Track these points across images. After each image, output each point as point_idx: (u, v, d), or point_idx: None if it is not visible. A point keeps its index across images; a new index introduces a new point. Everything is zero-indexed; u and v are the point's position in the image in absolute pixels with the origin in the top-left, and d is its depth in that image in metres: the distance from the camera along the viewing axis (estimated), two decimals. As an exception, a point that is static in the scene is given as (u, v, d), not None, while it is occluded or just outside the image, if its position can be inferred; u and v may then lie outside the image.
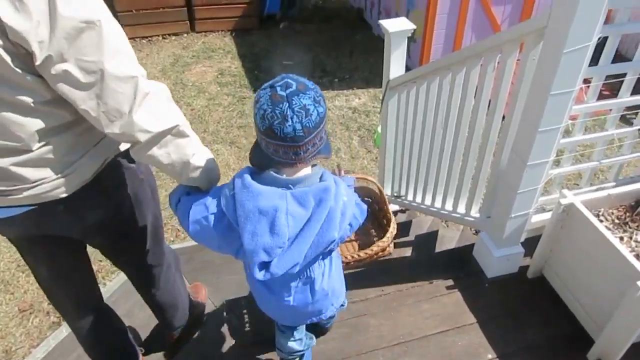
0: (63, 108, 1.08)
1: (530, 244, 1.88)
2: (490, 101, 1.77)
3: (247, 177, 1.08)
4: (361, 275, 2.08)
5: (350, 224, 1.18)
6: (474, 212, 2.07)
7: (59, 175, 1.17)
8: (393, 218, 1.75)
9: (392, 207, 3.08)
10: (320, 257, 1.23)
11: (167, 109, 1.13)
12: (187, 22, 6.79)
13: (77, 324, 1.63)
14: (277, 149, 1.05)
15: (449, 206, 2.27)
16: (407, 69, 2.48)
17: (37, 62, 0.95)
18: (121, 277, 2.71)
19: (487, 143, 1.84)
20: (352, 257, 1.69)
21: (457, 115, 2.01)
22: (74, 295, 1.58)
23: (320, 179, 1.12)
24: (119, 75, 1.02)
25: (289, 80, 1.05)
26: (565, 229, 1.70)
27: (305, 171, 1.13)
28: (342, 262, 1.51)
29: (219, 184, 1.27)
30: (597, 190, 1.83)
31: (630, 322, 1.42)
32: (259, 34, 6.96)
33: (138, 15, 6.53)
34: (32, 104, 1.04)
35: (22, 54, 0.95)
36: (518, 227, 1.79)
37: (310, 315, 1.35)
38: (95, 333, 1.65)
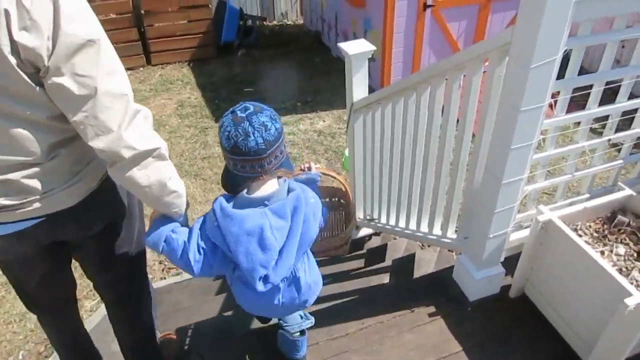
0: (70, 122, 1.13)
1: (510, 263, 1.82)
2: (458, 120, 1.73)
3: (226, 206, 1.21)
4: (340, 309, 1.98)
5: (319, 223, 1.35)
6: (451, 234, 2.01)
7: (67, 185, 1.23)
8: (354, 217, 1.77)
9: (366, 231, 3.01)
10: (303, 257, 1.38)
11: (151, 130, 1.20)
12: (143, 55, 6.67)
13: (53, 322, 1.71)
14: (244, 165, 1.19)
15: (424, 228, 2.20)
16: (370, 88, 2.43)
17: (41, 74, 1.02)
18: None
19: (458, 162, 1.79)
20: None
21: (425, 136, 1.96)
22: (52, 300, 1.63)
23: (289, 190, 1.27)
24: (112, 92, 1.08)
25: (247, 105, 1.20)
26: (544, 246, 1.65)
27: (273, 186, 1.26)
28: None
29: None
30: (572, 204, 1.80)
31: (620, 341, 1.36)
32: (217, 62, 6.89)
33: (91, 51, 6.35)
34: (44, 119, 1.11)
35: (32, 70, 1.02)
36: (497, 247, 1.73)
37: (297, 307, 1.48)
38: (66, 330, 1.75)
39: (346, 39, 6.28)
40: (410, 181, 2.22)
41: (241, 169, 1.20)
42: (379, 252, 2.57)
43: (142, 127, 1.16)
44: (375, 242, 2.87)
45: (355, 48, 2.33)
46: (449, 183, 1.92)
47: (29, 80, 1.03)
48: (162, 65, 6.81)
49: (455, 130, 1.76)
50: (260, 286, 1.24)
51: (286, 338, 1.69)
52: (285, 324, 1.67)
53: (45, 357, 2.85)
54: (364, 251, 2.67)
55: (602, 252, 1.58)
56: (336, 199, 2.23)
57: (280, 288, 1.35)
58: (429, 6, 4.89)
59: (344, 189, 1.91)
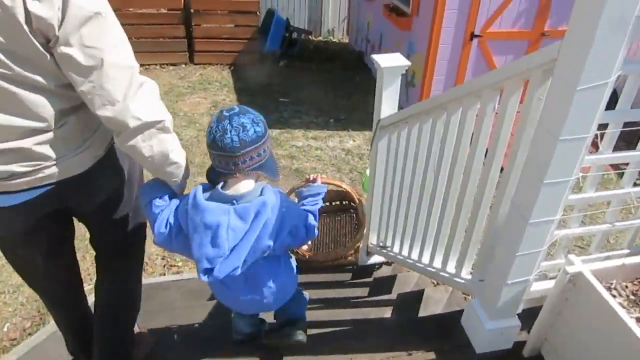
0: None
1: (528, 316, 1.59)
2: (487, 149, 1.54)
3: (199, 193, 1.27)
4: (330, 338, 1.79)
5: (290, 232, 1.38)
6: (465, 273, 1.80)
7: (77, 152, 1.27)
8: (363, 227, 1.91)
9: (377, 259, 2.81)
10: (263, 260, 1.39)
11: (157, 102, 1.24)
12: (187, 53, 6.72)
13: (59, 309, 1.74)
14: (220, 160, 1.28)
15: (437, 263, 2.00)
16: None
17: (51, 44, 1.06)
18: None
19: (482, 197, 1.60)
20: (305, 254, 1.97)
21: (450, 162, 1.78)
22: (63, 278, 1.67)
23: (261, 193, 1.30)
24: (119, 63, 1.13)
25: (235, 106, 1.28)
26: (570, 302, 1.42)
27: (247, 186, 1.31)
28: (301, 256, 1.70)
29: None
30: (608, 258, 1.57)
31: None
32: (258, 70, 6.87)
33: (137, 43, 6.43)
34: (53, 87, 1.15)
35: (44, 40, 1.06)
36: (515, 296, 1.51)
37: (263, 307, 1.56)
38: (76, 317, 1.78)
39: (389, 61, 6.15)
40: (428, 210, 2.03)
41: (218, 164, 1.30)
42: (386, 283, 2.37)
43: (147, 98, 1.21)
44: (384, 271, 2.67)
45: (389, 61, 2.18)
46: (470, 216, 1.72)
47: (41, 49, 1.07)
48: (203, 65, 6.84)
49: (483, 162, 1.57)
50: (202, 277, 1.29)
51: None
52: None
53: (28, 334, 2.76)
54: (370, 279, 2.47)
55: (638, 319, 1.34)
56: (346, 202, 2.13)
57: (244, 285, 1.44)
58: (476, 36, 4.72)
59: (351, 193, 1.85)
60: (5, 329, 2.84)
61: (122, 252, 1.69)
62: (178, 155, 1.34)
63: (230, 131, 1.22)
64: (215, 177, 1.32)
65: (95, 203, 1.46)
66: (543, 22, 4.74)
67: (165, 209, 1.34)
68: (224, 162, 1.27)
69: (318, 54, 7.55)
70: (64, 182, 1.29)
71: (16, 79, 1.10)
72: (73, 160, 1.28)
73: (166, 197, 1.37)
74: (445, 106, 1.75)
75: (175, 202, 1.36)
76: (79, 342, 1.83)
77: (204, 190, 1.29)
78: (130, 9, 6.33)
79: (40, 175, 1.24)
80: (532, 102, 1.27)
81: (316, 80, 6.69)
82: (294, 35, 7.35)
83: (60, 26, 1.04)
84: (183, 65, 6.78)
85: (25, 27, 1.02)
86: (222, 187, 1.30)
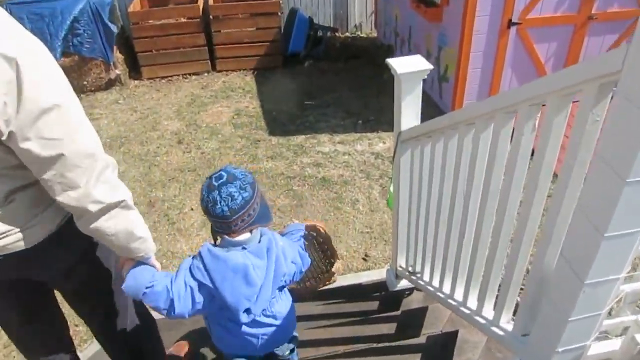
0: (29, 170, 1.14)
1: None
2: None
3: (212, 249, 1.39)
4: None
5: (293, 262, 1.54)
6: (505, 321, 1.49)
7: (24, 227, 1.24)
8: (336, 252, 1.96)
9: (404, 284, 2.51)
10: (277, 291, 1.53)
11: (117, 182, 1.24)
12: (208, 61, 6.56)
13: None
14: (215, 224, 1.40)
15: (471, 303, 1.69)
16: (439, 110, 1.97)
17: (3, 137, 1.04)
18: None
19: (523, 232, 1.28)
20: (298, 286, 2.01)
21: (481, 188, 1.47)
22: (42, 340, 1.62)
23: (261, 236, 1.46)
24: (80, 151, 1.12)
25: (222, 173, 1.35)
26: (645, 373, 1.10)
27: (246, 236, 1.42)
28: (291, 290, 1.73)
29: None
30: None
31: None
32: (282, 73, 6.63)
33: (157, 55, 6.35)
34: (1, 170, 1.14)
35: None
36: (570, 362, 1.20)
37: (277, 340, 1.63)
38: None
39: (419, 54, 5.77)
40: (458, 240, 1.72)
41: (215, 226, 1.42)
42: (416, 318, 2.07)
43: (109, 180, 1.20)
44: (415, 299, 2.37)
45: (407, 66, 1.88)
46: (510, 254, 1.41)
47: None
48: (226, 72, 6.66)
49: (522, 191, 1.26)
50: (244, 318, 1.43)
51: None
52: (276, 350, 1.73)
53: None
54: (398, 312, 2.18)
55: None
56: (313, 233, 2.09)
57: (260, 322, 1.51)
58: (515, 24, 4.29)
59: (318, 227, 1.96)
60: None
61: (102, 317, 1.65)
62: (142, 231, 1.32)
63: (220, 202, 1.32)
64: (217, 233, 1.45)
65: (55, 274, 1.42)
66: (590, 4, 4.26)
67: (177, 276, 1.38)
68: (219, 225, 1.38)
69: (345, 52, 7.23)
70: (13, 255, 1.25)
71: None
72: (19, 235, 1.24)
73: (159, 273, 1.39)
74: (473, 121, 1.44)
75: (185, 265, 1.40)
76: None
77: (212, 246, 1.42)
78: (150, 21, 6.22)
79: None
80: (586, 125, 0.95)
81: (343, 80, 6.39)
82: (319, 33, 7.06)
83: (7, 122, 1.01)
84: (206, 74, 6.62)
85: None
86: (228, 236, 1.41)
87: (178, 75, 6.54)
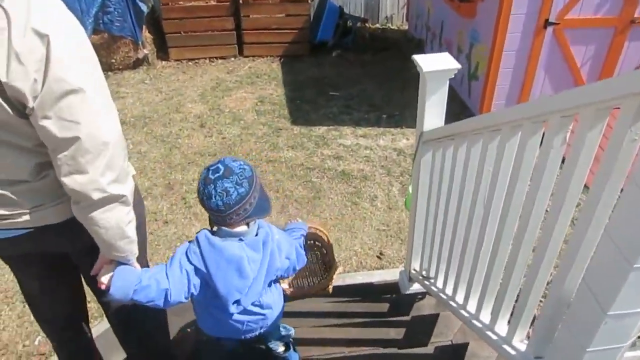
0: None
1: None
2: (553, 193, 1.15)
3: (209, 237, 1.38)
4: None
5: (288, 257, 1.54)
6: (518, 340, 1.42)
7: (54, 204, 1.27)
8: (335, 264, 1.94)
9: (417, 287, 2.44)
10: (269, 284, 1.55)
11: (125, 175, 1.24)
12: (236, 46, 6.53)
13: (58, 338, 1.71)
14: (212, 216, 1.39)
15: (484, 317, 1.62)
16: (466, 109, 1.90)
17: (26, 111, 1.07)
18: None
19: (544, 252, 1.21)
20: (291, 286, 2.01)
21: (503, 199, 1.39)
22: (60, 312, 1.65)
23: (258, 228, 1.45)
24: (95, 138, 1.12)
25: (220, 166, 1.33)
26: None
27: (243, 228, 1.41)
28: (284, 291, 1.77)
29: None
30: None
31: None
32: (309, 61, 6.56)
33: (186, 37, 6.34)
34: (31, 146, 1.16)
35: (19, 106, 1.07)
36: (585, 392, 1.12)
37: (258, 326, 1.60)
38: (72, 351, 1.75)
39: (449, 50, 5.61)
40: (475, 250, 1.65)
41: (212, 218, 1.41)
42: (426, 325, 2.01)
43: (118, 172, 1.20)
44: (427, 304, 2.31)
45: (434, 64, 1.80)
46: (528, 271, 1.34)
47: (14, 114, 1.07)
48: (253, 57, 6.63)
49: (547, 209, 1.18)
50: (233, 309, 1.44)
51: (274, 356, 1.78)
52: (269, 343, 1.75)
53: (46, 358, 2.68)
54: (408, 318, 2.12)
55: None
56: (316, 242, 2.16)
57: (247, 311, 1.52)
58: (552, 23, 4.12)
59: (321, 236, 1.97)
60: (36, 343, 2.78)
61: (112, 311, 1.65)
62: (132, 230, 1.31)
63: (215, 196, 1.31)
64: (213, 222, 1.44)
65: (80, 249, 1.41)
66: (633, 7, 4.05)
67: (172, 261, 1.38)
68: (214, 217, 1.38)
69: (373, 43, 7.11)
70: (41, 228, 1.29)
71: None
72: (52, 210, 1.27)
73: (143, 272, 1.34)
74: (499, 128, 1.36)
75: (181, 250, 1.40)
76: None
77: (209, 233, 1.41)
78: (180, 3, 6.20)
79: (18, 219, 1.26)
80: (623, 144, 0.87)
81: (370, 72, 6.28)
82: (349, 23, 6.95)
83: (36, 98, 1.04)
84: (232, 59, 6.59)
85: None
86: (225, 227, 1.41)
87: (205, 58, 6.53)
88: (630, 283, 0.86)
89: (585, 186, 1.05)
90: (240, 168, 1.33)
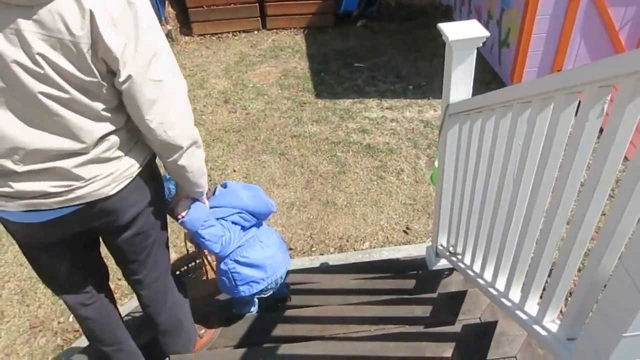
0: (121, 113, 1.27)
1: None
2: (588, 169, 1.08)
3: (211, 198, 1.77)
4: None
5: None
6: (549, 320, 1.37)
7: (107, 174, 1.30)
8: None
9: (444, 263, 2.40)
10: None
11: (192, 119, 1.38)
12: (259, 18, 6.43)
13: (82, 313, 1.68)
14: None
15: (513, 296, 1.57)
16: (496, 77, 1.81)
17: (121, 79, 1.14)
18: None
19: (578, 228, 1.14)
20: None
21: (534, 174, 1.33)
22: (86, 288, 1.65)
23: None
24: (176, 91, 1.26)
25: None
26: None
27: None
28: None
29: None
30: None
31: None
32: (333, 32, 6.42)
33: (208, 12, 6.28)
34: (100, 111, 1.21)
35: (104, 69, 1.14)
36: (619, 377, 1.08)
37: (283, 268, 1.95)
38: (98, 322, 1.73)
39: (479, 17, 5.40)
40: (506, 225, 1.59)
41: None
42: (453, 303, 1.97)
43: (191, 118, 1.35)
44: (455, 280, 2.27)
45: (460, 32, 1.71)
46: (562, 248, 1.28)
47: (99, 78, 1.14)
48: (276, 30, 6.53)
49: (581, 184, 1.11)
50: (272, 208, 1.88)
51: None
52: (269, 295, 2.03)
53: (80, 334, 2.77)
54: (435, 295, 2.09)
55: None
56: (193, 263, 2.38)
57: (265, 248, 1.86)
58: (589, -16, 3.89)
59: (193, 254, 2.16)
60: (70, 319, 2.88)
61: (143, 289, 1.69)
62: (205, 167, 1.51)
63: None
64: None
65: (120, 224, 1.43)
66: (679, -39, 3.78)
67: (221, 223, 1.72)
68: None
69: (400, 12, 6.88)
70: (93, 203, 1.31)
71: (68, 103, 1.14)
72: (104, 181, 1.30)
73: (211, 216, 1.69)
74: (530, 100, 1.28)
75: (213, 216, 1.70)
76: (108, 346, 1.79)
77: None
78: (202, -25, 6.13)
79: (71, 195, 1.26)
80: (666, 116, 0.80)
81: (396, 42, 6.11)
82: (374, -9, 6.74)
83: (130, 64, 1.12)
84: (255, 32, 6.51)
85: (88, 55, 1.08)
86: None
87: (228, 32, 6.47)
88: (672, 266, 0.80)
89: (625, 158, 0.99)
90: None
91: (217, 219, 1.72)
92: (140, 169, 1.39)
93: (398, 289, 2.23)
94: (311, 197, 3.68)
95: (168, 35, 6.23)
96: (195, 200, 1.64)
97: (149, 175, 1.45)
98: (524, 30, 4.23)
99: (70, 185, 1.25)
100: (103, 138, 1.25)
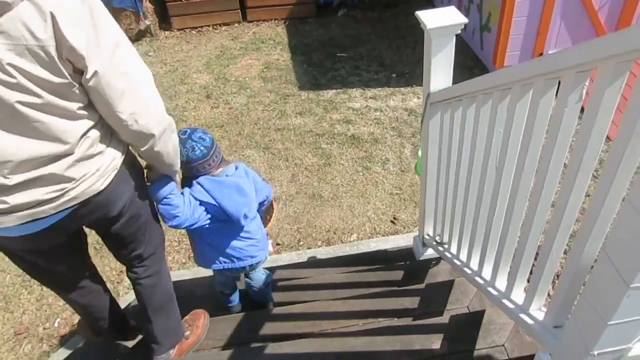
0: (95, 109, 1.28)
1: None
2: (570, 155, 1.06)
3: (208, 177, 1.77)
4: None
5: (263, 184, 1.96)
6: (536, 309, 1.36)
7: (96, 169, 1.33)
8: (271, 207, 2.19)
9: (431, 252, 2.39)
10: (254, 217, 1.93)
11: (162, 103, 1.40)
12: (239, 11, 6.33)
13: (75, 300, 1.76)
14: (197, 166, 1.76)
15: (500, 284, 1.56)
16: (479, 63, 1.81)
17: (88, 75, 1.16)
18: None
19: (562, 214, 1.13)
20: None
21: (516, 161, 1.31)
22: (77, 283, 1.71)
23: (236, 167, 1.84)
24: (142, 80, 1.29)
25: (185, 130, 1.75)
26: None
27: (222, 169, 1.80)
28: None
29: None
30: None
31: None
32: (315, 23, 6.35)
33: (187, 5, 6.17)
34: (76, 110, 1.23)
35: (71, 69, 1.16)
36: (606, 363, 1.07)
37: (253, 254, 1.95)
38: (91, 307, 1.81)
39: (460, 2, 5.37)
40: (489, 213, 1.58)
41: (197, 169, 1.76)
42: (441, 293, 1.96)
43: (160, 103, 1.37)
44: (442, 270, 2.26)
45: (438, 19, 1.68)
46: (546, 235, 1.26)
47: (69, 77, 1.15)
48: (257, 22, 6.44)
49: (564, 169, 1.09)
50: (243, 221, 1.79)
51: (254, 290, 2.17)
52: (253, 282, 2.15)
53: (66, 339, 2.73)
54: (422, 286, 2.08)
55: None
56: None
57: (241, 237, 1.89)
58: (568, -35, 3.87)
59: None
60: (56, 325, 2.83)
61: (143, 262, 1.73)
62: (179, 148, 1.57)
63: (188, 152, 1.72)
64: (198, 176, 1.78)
65: (114, 217, 1.49)
66: (656, -60, 3.78)
67: (183, 195, 1.71)
68: (202, 166, 1.76)
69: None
70: (86, 201, 1.34)
71: (45, 108, 1.16)
72: (94, 178, 1.33)
73: (176, 190, 1.68)
74: (509, 87, 1.26)
75: (187, 191, 1.74)
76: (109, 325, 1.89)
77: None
78: (179, -32, 6.01)
79: (66, 198, 1.29)
80: (644, 101, 0.78)
81: (378, 30, 6.07)
82: (354, -21, 6.67)
83: (92, 57, 1.14)
84: (236, 24, 6.41)
85: (55, 56, 1.10)
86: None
87: (208, 25, 6.37)
88: (655, 254, 0.79)
89: (608, 138, 0.97)
90: (197, 135, 1.72)
91: (192, 194, 1.74)
92: (123, 158, 1.43)
93: (386, 281, 2.21)
94: (297, 190, 3.65)
95: (147, 30, 6.12)
96: (164, 175, 1.65)
97: (130, 162, 1.50)
98: (505, 14, 4.21)
99: (63, 189, 1.27)
100: (84, 135, 1.27)
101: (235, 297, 2.27)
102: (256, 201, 1.86)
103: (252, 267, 2.02)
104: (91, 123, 1.29)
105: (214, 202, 1.72)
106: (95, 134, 1.31)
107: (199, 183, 1.73)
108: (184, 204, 1.67)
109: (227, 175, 1.76)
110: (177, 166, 1.61)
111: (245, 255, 1.92)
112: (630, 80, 0.88)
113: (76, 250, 1.66)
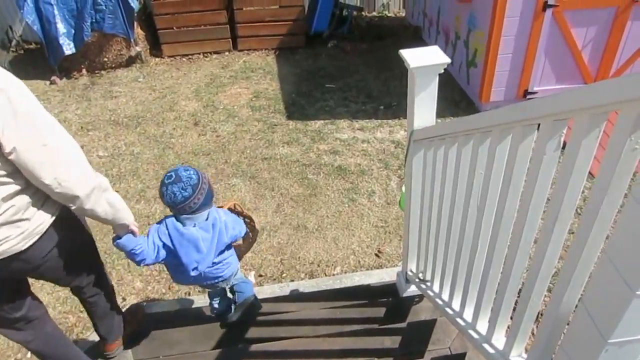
0: (20, 176, 1.35)
1: None
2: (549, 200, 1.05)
3: (175, 223, 1.85)
4: None
5: (234, 228, 2.00)
6: (516, 355, 1.33)
7: (19, 233, 1.42)
8: (254, 220, 2.26)
9: (415, 289, 2.35)
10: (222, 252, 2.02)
11: (91, 169, 1.47)
12: (229, 40, 6.41)
13: (31, 347, 1.85)
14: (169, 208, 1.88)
15: (481, 327, 1.53)
16: (466, 97, 1.81)
17: (6, 151, 1.26)
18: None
19: (540, 265, 1.11)
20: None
21: (497, 204, 1.30)
22: (15, 315, 1.72)
23: (208, 215, 1.91)
24: (61, 147, 1.37)
25: (172, 174, 1.82)
26: None
27: (196, 215, 1.87)
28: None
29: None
30: None
31: None
32: (304, 53, 6.43)
33: (179, 33, 6.23)
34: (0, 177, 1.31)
35: None
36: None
37: (212, 278, 2.06)
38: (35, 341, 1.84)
39: (447, 37, 5.49)
40: (470, 256, 1.56)
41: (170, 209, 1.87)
42: (423, 332, 1.92)
43: (84, 166, 1.44)
44: (425, 307, 2.22)
45: (421, 59, 1.69)
46: (525, 283, 1.24)
47: None
48: (247, 51, 6.51)
49: (542, 219, 1.08)
50: (193, 273, 1.91)
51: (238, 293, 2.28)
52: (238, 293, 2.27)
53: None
54: (404, 325, 2.03)
55: None
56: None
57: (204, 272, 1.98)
58: (551, 6, 3.98)
59: (238, 208, 2.27)
60: (28, 355, 2.73)
61: (83, 289, 1.89)
62: (121, 204, 1.61)
63: (166, 195, 1.79)
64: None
65: (36, 265, 1.56)
66: (635, -15, 3.91)
67: (148, 237, 1.82)
68: (170, 208, 1.86)
69: (370, 32, 6.96)
70: (9, 258, 1.44)
71: None
72: (16, 240, 1.42)
73: (140, 240, 1.77)
74: (489, 130, 1.26)
75: (154, 231, 1.84)
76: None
77: (175, 219, 1.85)
78: (171, -4, 6.09)
79: None
80: (622, 153, 0.77)
81: (367, 62, 6.16)
82: (344, 12, 6.81)
83: (10, 137, 1.23)
84: (227, 53, 6.47)
85: None
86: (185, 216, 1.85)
87: (199, 53, 6.42)
88: (633, 308, 0.77)
89: (591, 174, 0.96)
90: (187, 177, 1.80)
91: (157, 233, 1.85)
92: (52, 220, 1.51)
93: (369, 318, 2.17)
94: (282, 221, 3.61)
95: (137, 56, 6.14)
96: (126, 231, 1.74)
97: (62, 218, 1.56)
98: (490, 50, 4.30)
99: None
100: (11, 199, 1.36)
101: (222, 304, 2.37)
102: (214, 255, 1.93)
103: (226, 281, 2.14)
104: (18, 187, 1.37)
105: (172, 247, 1.83)
106: (23, 200, 1.39)
107: (167, 226, 1.84)
108: (147, 249, 1.79)
109: (195, 225, 1.85)
110: (124, 220, 1.65)
111: (212, 277, 2.04)
112: (607, 127, 0.88)
113: (15, 293, 1.70)
